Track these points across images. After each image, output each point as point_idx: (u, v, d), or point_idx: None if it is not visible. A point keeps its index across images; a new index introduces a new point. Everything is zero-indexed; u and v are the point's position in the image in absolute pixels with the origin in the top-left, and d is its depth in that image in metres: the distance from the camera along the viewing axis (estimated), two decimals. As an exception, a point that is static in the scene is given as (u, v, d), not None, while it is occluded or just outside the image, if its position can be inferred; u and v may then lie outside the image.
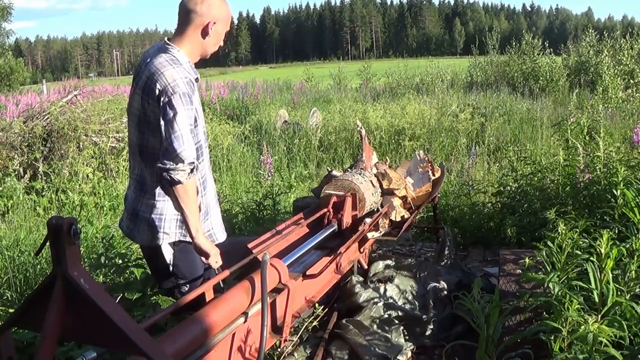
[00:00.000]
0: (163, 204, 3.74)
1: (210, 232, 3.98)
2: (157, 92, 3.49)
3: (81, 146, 11.18)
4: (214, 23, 3.68)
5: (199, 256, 3.83)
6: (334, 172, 5.56)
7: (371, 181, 5.65)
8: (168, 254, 3.84)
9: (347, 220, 5.04)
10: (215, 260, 3.75)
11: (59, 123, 11.30)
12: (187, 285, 3.88)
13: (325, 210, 5.03)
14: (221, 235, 4.10)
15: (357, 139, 14.24)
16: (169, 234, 3.78)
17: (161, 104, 3.47)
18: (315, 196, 5.83)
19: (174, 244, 3.82)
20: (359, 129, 6.47)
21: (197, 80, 3.74)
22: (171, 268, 3.88)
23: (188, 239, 3.72)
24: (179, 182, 3.44)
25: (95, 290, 2.31)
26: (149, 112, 3.58)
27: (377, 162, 6.19)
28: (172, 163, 3.41)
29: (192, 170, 3.47)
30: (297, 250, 4.27)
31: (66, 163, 10.57)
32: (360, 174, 5.57)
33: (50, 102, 13.03)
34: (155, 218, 3.76)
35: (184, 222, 3.63)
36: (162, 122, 3.46)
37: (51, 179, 10.16)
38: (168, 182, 3.46)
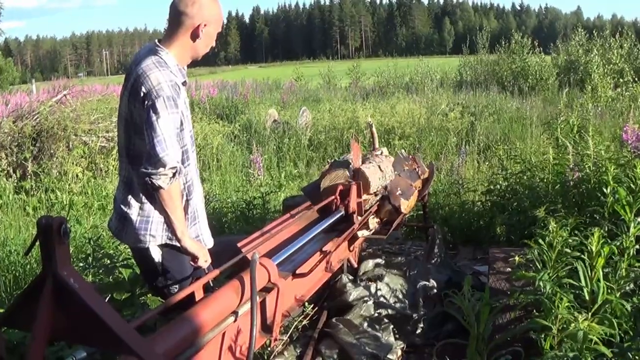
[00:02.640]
0: (150, 206, 3.72)
1: (200, 237, 3.96)
2: (142, 94, 3.46)
3: (71, 146, 11.17)
4: (205, 25, 3.64)
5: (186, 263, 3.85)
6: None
7: (379, 166, 5.77)
8: (157, 255, 3.82)
9: (353, 206, 5.15)
10: (205, 260, 3.75)
11: (49, 123, 11.28)
12: (177, 286, 3.86)
13: (333, 197, 5.13)
14: (209, 241, 4.08)
15: (347, 138, 14.26)
16: (155, 236, 3.76)
17: (145, 107, 3.44)
18: (305, 195, 5.84)
19: (161, 246, 3.81)
20: (369, 123, 7.11)
21: (184, 84, 3.71)
22: (160, 269, 3.87)
23: (175, 242, 3.71)
24: (160, 187, 3.42)
25: (85, 290, 2.30)
26: (135, 115, 3.56)
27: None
28: (153, 168, 3.38)
29: (174, 175, 3.43)
30: (297, 242, 4.29)
31: (56, 163, 10.55)
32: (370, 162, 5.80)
33: (39, 101, 12.99)
34: (142, 220, 3.74)
35: (169, 226, 3.63)
36: (145, 126, 3.44)
37: (40, 178, 10.14)
38: (150, 186, 3.45)
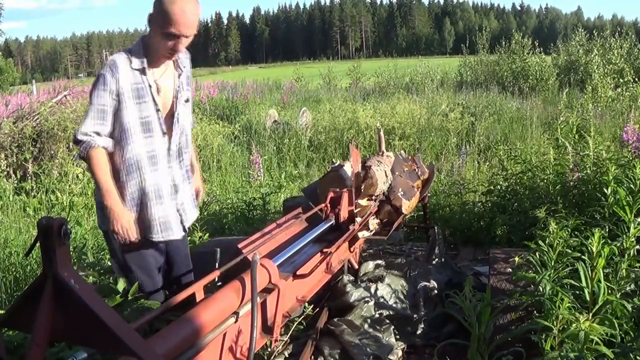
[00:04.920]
0: None
1: (141, 226, 4.01)
2: None
3: (71, 146, 11.14)
4: (149, 20, 3.82)
5: (144, 248, 4.04)
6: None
7: (385, 171, 5.80)
8: (113, 239, 3.97)
9: (344, 214, 5.07)
10: (121, 227, 3.85)
11: (49, 123, 11.28)
12: (138, 275, 4.04)
13: (323, 205, 5.07)
14: (174, 232, 4.15)
15: (347, 139, 14.25)
16: (104, 222, 3.93)
17: None
18: (305, 196, 5.83)
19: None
20: (378, 128, 7.32)
21: (140, 70, 3.87)
22: (113, 252, 4.10)
23: None
24: (80, 155, 3.76)
25: (85, 291, 2.29)
26: None
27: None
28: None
29: (78, 143, 3.75)
30: (291, 248, 4.26)
31: (56, 163, 10.53)
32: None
33: (40, 102, 13.01)
34: (99, 205, 3.97)
35: None
36: None
37: (41, 179, 10.13)
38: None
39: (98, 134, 3.81)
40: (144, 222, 4.01)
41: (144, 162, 3.93)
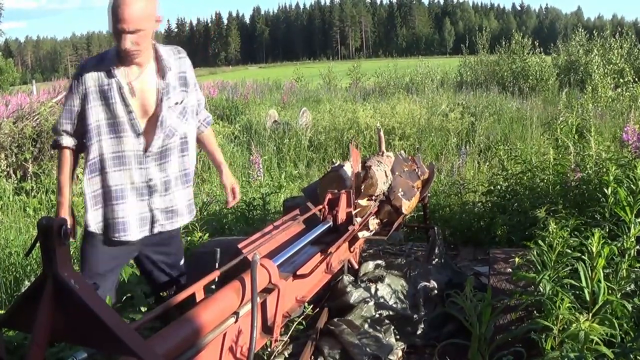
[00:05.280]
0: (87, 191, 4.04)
1: (100, 224, 4.03)
2: None
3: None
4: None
5: (104, 245, 4.07)
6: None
7: (385, 171, 5.80)
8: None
9: (342, 216, 5.04)
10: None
11: (49, 123, 11.25)
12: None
13: (321, 207, 5.04)
14: (130, 234, 4.07)
15: (347, 139, 14.25)
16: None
17: None
18: (306, 196, 5.83)
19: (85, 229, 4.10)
20: (378, 128, 7.32)
21: (107, 72, 3.90)
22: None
23: (91, 228, 4.03)
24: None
25: (85, 291, 2.30)
26: None
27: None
28: None
29: (53, 140, 4.06)
30: (290, 249, 4.25)
31: (56, 164, 10.53)
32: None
33: (40, 102, 12.98)
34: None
35: None
36: None
37: (41, 179, 10.13)
38: None
39: (67, 132, 3.97)
40: (103, 220, 4.02)
41: (107, 162, 3.93)
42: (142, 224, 4.07)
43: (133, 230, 4.03)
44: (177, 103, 4.05)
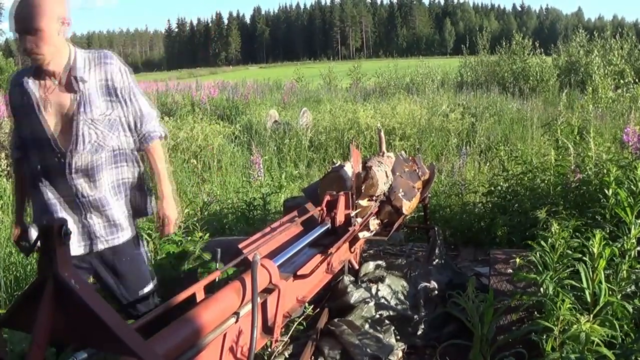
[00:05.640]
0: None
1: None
2: None
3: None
4: None
5: None
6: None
7: (386, 171, 5.81)
8: None
9: (340, 218, 5.03)
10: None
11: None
12: None
13: (319, 209, 5.03)
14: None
15: (347, 139, 14.25)
16: None
17: None
18: (306, 196, 5.83)
19: None
20: (379, 128, 7.37)
21: (24, 85, 3.63)
22: None
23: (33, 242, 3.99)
24: None
25: (85, 291, 2.29)
26: None
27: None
28: None
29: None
30: (290, 250, 4.25)
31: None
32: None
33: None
34: None
35: None
36: None
37: (41, 179, 10.11)
38: None
39: (16, 144, 3.93)
40: None
41: (37, 177, 3.74)
42: (81, 239, 3.81)
43: (72, 244, 3.43)
44: (103, 115, 3.73)
